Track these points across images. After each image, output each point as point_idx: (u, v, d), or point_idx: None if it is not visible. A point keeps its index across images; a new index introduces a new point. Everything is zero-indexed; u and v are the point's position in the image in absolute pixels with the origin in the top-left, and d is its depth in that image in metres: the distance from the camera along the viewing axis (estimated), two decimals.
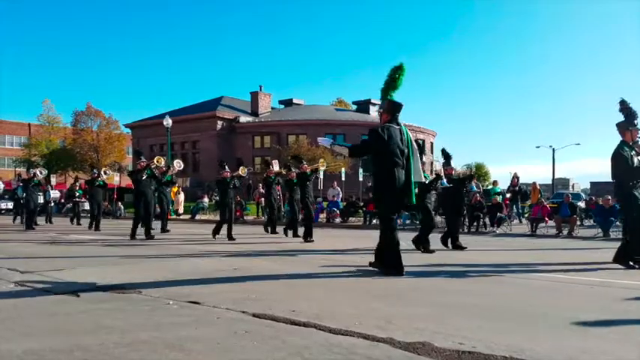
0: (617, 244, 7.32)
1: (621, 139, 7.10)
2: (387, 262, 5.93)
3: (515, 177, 18.86)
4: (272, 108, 44.42)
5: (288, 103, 47.04)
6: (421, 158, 6.82)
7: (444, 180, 9.46)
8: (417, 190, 6.34)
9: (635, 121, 7.13)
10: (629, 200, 6.87)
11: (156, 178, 12.72)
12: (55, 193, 27.67)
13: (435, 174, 8.92)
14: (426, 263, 7.06)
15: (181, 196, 24.48)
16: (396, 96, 6.38)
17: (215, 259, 7.57)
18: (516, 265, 7.18)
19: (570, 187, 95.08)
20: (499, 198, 16.55)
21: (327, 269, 6.54)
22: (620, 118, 7.21)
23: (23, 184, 17.88)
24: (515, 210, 18.59)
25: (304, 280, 5.60)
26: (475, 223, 15.38)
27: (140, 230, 11.64)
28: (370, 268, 6.12)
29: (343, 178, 25.67)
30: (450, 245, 9.49)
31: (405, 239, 6.12)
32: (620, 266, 6.81)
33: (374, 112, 44.82)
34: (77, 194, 20.05)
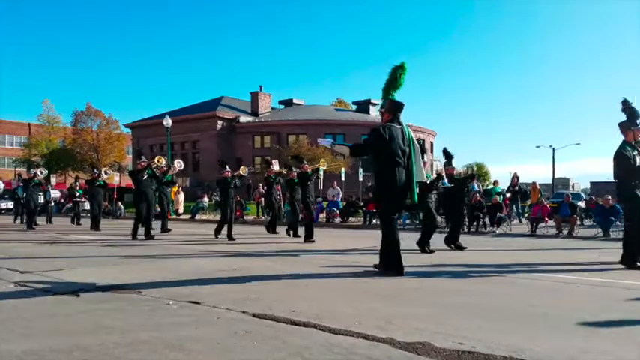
0: (617, 244, 7.32)
1: (623, 139, 7.06)
2: (387, 262, 5.92)
3: (515, 177, 18.85)
4: (272, 108, 44.44)
5: (288, 103, 47.06)
6: (423, 158, 6.79)
7: (445, 180, 9.44)
8: (418, 190, 6.30)
9: (638, 121, 7.07)
10: (634, 201, 6.85)
11: (156, 178, 12.71)
12: (55, 193, 27.70)
13: (437, 174, 8.89)
14: (426, 263, 7.06)
15: (181, 196, 24.48)
16: (398, 95, 6.36)
17: (215, 259, 7.57)
18: (516, 265, 7.17)
19: (570, 187, 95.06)
20: (498, 198, 16.53)
21: (328, 269, 6.54)
22: (622, 117, 7.17)
23: (24, 184, 17.89)
24: (515, 210, 18.57)
25: (304, 280, 5.59)
26: (475, 223, 15.37)
27: (141, 230, 11.64)
28: (373, 269, 6.10)
29: (343, 178, 25.67)
30: (452, 245, 9.46)
31: (406, 239, 6.09)
32: (620, 266, 6.81)
33: (374, 112, 44.86)
34: (77, 194, 20.07)
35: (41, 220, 17.60)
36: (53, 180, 31.29)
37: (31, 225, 15.54)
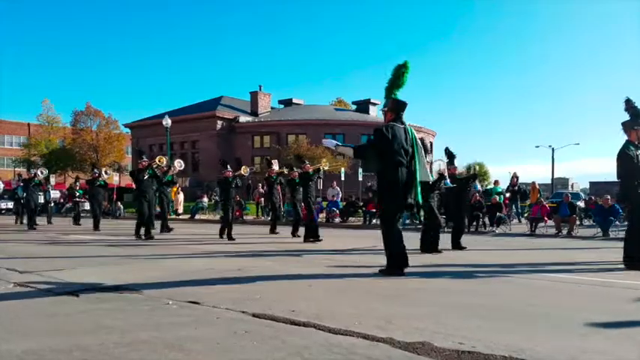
0: (617, 244, 7.32)
1: (627, 138, 7.01)
2: (388, 262, 5.92)
3: (515, 177, 18.87)
4: (272, 108, 44.44)
5: (287, 102, 47.04)
6: (425, 157, 6.76)
7: (448, 180, 9.41)
8: (420, 189, 6.26)
9: None
10: (637, 200, 6.83)
11: (157, 177, 12.71)
12: (55, 194, 27.68)
13: (438, 174, 8.85)
14: (426, 263, 7.06)
15: (181, 196, 24.48)
16: (400, 94, 6.33)
17: (215, 259, 7.57)
18: (516, 265, 7.18)
19: (570, 186, 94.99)
20: (498, 198, 16.53)
21: (328, 269, 6.53)
22: (624, 117, 7.11)
23: (24, 184, 17.87)
24: (514, 210, 18.59)
25: (304, 279, 5.59)
26: (475, 223, 15.38)
27: (141, 230, 11.64)
28: (375, 271, 6.08)
29: (343, 178, 25.68)
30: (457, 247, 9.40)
31: (406, 239, 6.07)
32: (621, 266, 6.81)
33: (373, 112, 44.89)
34: (77, 194, 20.05)
35: (41, 220, 17.59)
36: (53, 180, 31.27)
37: (32, 225, 15.54)
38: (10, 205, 26.91)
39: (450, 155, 9.85)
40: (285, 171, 13.44)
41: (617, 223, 13.47)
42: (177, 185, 21.89)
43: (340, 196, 21.48)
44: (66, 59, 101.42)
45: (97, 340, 3.03)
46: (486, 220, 15.56)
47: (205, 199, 24.80)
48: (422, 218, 9.03)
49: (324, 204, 21.04)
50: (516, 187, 18.74)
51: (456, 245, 9.42)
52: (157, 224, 13.54)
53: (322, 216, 20.26)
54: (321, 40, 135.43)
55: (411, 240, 8.93)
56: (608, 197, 14.36)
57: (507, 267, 6.94)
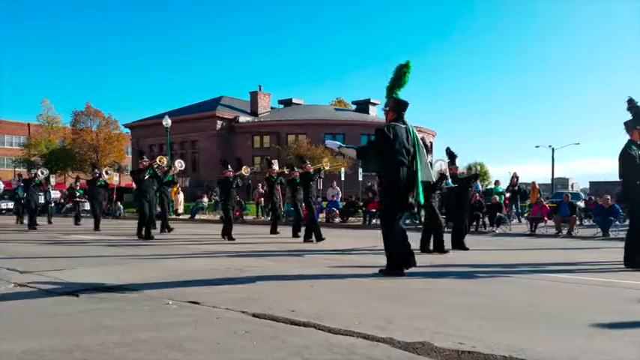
0: (617, 244, 7.31)
1: (629, 138, 6.99)
2: (388, 262, 5.92)
3: (515, 177, 18.87)
4: (271, 108, 44.44)
5: (287, 102, 47.05)
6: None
7: (449, 180, 9.40)
8: (422, 189, 6.25)
9: None
10: (638, 200, 6.82)
11: (158, 177, 12.71)
12: (55, 194, 27.67)
13: (440, 174, 8.83)
14: (427, 264, 7.05)
15: (181, 196, 24.48)
16: (402, 94, 6.32)
17: (215, 259, 7.57)
18: (517, 265, 7.18)
19: (570, 186, 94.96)
20: (498, 198, 16.52)
21: (328, 269, 6.54)
22: (623, 117, 7.07)
23: (24, 184, 17.86)
24: (514, 210, 18.59)
25: (304, 279, 5.59)
26: (475, 223, 15.37)
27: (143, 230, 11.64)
28: (375, 271, 6.07)
29: (343, 178, 25.68)
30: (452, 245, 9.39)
31: (408, 239, 6.06)
32: (621, 266, 6.81)
33: (373, 112, 44.91)
34: (78, 194, 20.05)
35: (41, 220, 17.60)
36: (53, 180, 31.27)
37: (32, 225, 15.53)
38: (11, 205, 26.90)
39: (452, 155, 9.83)
40: (286, 171, 13.42)
41: (617, 223, 13.48)
42: (178, 185, 21.90)
43: (340, 196, 21.48)
44: (66, 59, 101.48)
45: (97, 340, 3.03)
46: (486, 220, 15.56)
47: (205, 199, 24.80)
48: (422, 218, 9.01)
49: (324, 204, 21.04)
50: (516, 187, 18.74)
51: (458, 245, 9.36)
52: (157, 224, 13.53)
53: (322, 216, 20.27)
54: (321, 40, 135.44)
55: (412, 240, 8.93)
56: (608, 197, 14.36)
57: (508, 267, 6.93)
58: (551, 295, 4.89)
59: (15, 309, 4.00)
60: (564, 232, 13.86)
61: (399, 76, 6.29)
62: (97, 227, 14.54)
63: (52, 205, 21.80)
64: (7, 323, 3.51)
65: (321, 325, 3.37)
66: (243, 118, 40.40)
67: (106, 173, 17.36)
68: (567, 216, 14.11)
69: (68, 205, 26.46)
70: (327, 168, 12.65)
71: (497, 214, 15.38)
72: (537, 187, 20.19)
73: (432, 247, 8.71)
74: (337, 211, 19.94)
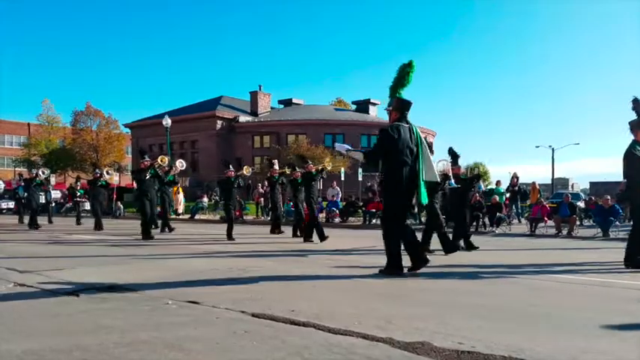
0: (617, 244, 7.31)
1: (633, 138, 6.94)
2: (388, 261, 5.91)
3: (515, 177, 18.85)
4: (271, 108, 44.43)
5: (287, 102, 47.05)
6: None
7: (452, 180, 9.39)
8: (426, 189, 6.22)
9: None
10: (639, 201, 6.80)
11: (159, 177, 12.69)
12: (55, 194, 27.65)
13: (443, 174, 8.81)
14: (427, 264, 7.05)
15: (181, 196, 24.47)
16: (405, 93, 6.30)
17: (214, 259, 7.57)
18: (517, 266, 7.17)
19: (570, 186, 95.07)
20: (498, 198, 16.51)
21: (328, 269, 6.54)
22: (631, 116, 6.97)
23: (25, 184, 17.85)
24: (514, 210, 18.58)
25: (304, 279, 5.59)
26: (474, 223, 15.36)
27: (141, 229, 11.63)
28: (375, 271, 6.07)
29: (342, 178, 25.67)
30: (462, 245, 9.36)
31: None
32: (621, 266, 6.81)
33: (373, 112, 44.90)
34: (78, 194, 20.04)
35: (41, 220, 17.60)
36: (53, 180, 31.28)
37: (33, 225, 15.52)
38: (11, 204, 26.92)
39: (454, 155, 9.80)
40: (288, 171, 13.40)
41: (617, 223, 13.47)
42: (179, 185, 21.91)
43: (340, 196, 21.47)
44: (66, 59, 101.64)
45: (97, 339, 3.03)
46: (486, 220, 15.55)
47: (205, 199, 24.79)
48: (422, 218, 9.02)
49: (324, 204, 21.05)
50: (516, 188, 18.73)
51: (469, 245, 9.31)
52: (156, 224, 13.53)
53: (322, 216, 20.27)
54: (321, 40, 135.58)
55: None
56: (608, 197, 14.36)
57: (508, 267, 6.93)
58: (551, 295, 4.89)
59: (15, 309, 3.99)
60: (564, 232, 13.85)
61: (403, 76, 6.28)
62: (97, 227, 14.53)
63: (53, 205, 21.79)
64: (7, 323, 3.51)
65: (320, 325, 3.37)
66: (243, 118, 40.40)
67: (107, 173, 17.37)
68: (567, 216, 14.10)
69: (68, 205, 26.45)
70: (329, 168, 12.61)
71: (497, 214, 15.37)
72: (537, 187, 20.18)
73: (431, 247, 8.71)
74: (337, 211, 19.94)
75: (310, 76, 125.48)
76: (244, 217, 21.18)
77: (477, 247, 9.32)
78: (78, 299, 4.37)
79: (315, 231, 11.08)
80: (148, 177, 11.90)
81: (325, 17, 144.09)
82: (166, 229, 13.69)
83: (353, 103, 49.53)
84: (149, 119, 42.07)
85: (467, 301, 4.41)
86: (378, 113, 45.27)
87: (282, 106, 46.90)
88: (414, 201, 6.02)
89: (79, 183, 21.14)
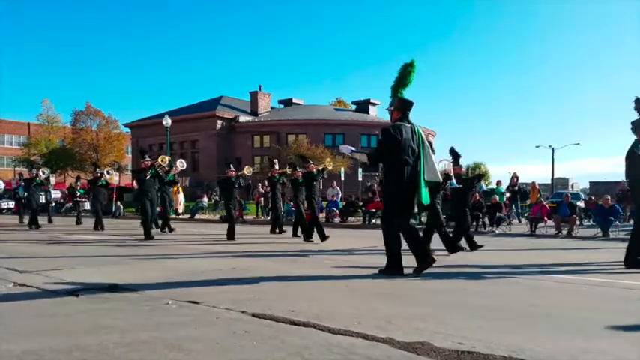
0: (617, 244, 7.31)
1: (635, 138, 6.92)
2: (388, 261, 5.91)
3: (515, 177, 18.85)
4: (271, 108, 44.43)
5: (287, 102, 47.05)
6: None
7: (454, 180, 9.39)
8: (427, 189, 6.16)
9: None
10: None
11: (159, 177, 12.68)
12: (55, 194, 27.66)
13: (445, 174, 8.80)
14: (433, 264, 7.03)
15: (181, 196, 24.47)
16: (406, 93, 6.28)
17: (214, 259, 7.57)
18: (517, 266, 7.17)
19: (569, 186, 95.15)
20: (497, 198, 16.50)
21: (328, 269, 6.53)
22: (632, 116, 6.94)
23: (25, 184, 17.84)
24: (514, 210, 18.58)
25: (304, 279, 5.59)
26: (474, 223, 15.36)
27: (140, 229, 11.63)
28: (375, 271, 6.06)
29: (342, 178, 25.67)
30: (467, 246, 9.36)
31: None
32: (621, 266, 6.81)
33: (373, 112, 44.89)
34: (79, 194, 20.03)
35: (41, 220, 17.61)
36: (52, 180, 31.26)
37: (32, 225, 15.51)
38: (12, 204, 26.92)
39: (456, 155, 9.79)
40: (288, 171, 13.39)
41: (617, 223, 13.47)
42: (179, 185, 21.90)
43: (340, 196, 21.47)
44: (66, 59, 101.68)
45: (97, 340, 3.03)
46: (486, 220, 15.55)
47: (205, 199, 24.79)
48: (422, 218, 9.01)
49: (324, 204, 21.05)
50: (516, 188, 18.73)
51: (455, 246, 9.30)
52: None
53: (322, 216, 20.27)
54: (321, 40, 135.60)
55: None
56: (608, 197, 14.36)
57: (508, 267, 6.93)
58: (551, 295, 4.89)
59: (14, 309, 3.99)
60: (564, 232, 13.85)
61: (404, 75, 6.26)
62: (97, 227, 14.52)
63: (53, 205, 21.79)
64: (6, 323, 3.51)
65: (320, 325, 3.37)
66: (243, 118, 40.40)
67: (108, 173, 17.37)
68: (567, 216, 14.10)
69: (68, 205, 26.45)
70: (329, 168, 12.60)
71: (497, 214, 15.38)
72: (537, 187, 20.18)
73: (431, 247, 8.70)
74: (337, 211, 19.94)
75: (310, 76, 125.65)
76: (244, 217, 21.18)
77: (481, 246, 9.32)
78: (78, 299, 4.37)
79: (315, 231, 11.07)
80: (148, 177, 11.89)
81: (325, 17, 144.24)
82: (166, 230, 13.68)
83: (353, 103, 49.53)
84: (149, 119, 42.07)
85: (467, 301, 4.41)
86: (378, 113, 45.30)
87: (282, 106, 46.90)
88: (415, 201, 6.01)
89: (79, 183, 21.13)
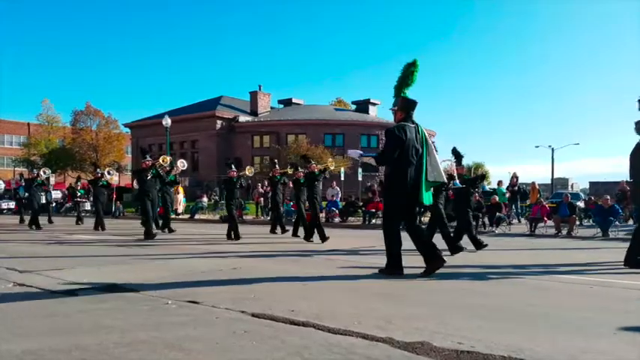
0: (617, 244, 7.31)
1: None
2: (388, 261, 5.90)
3: (515, 177, 18.85)
4: (271, 108, 44.39)
5: (287, 102, 47.01)
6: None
7: (457, 180, 9.38)
8: (429, 190, 6.15)
9: None
10: None
11: (160, 177, 12.67)
12: (56, 194, 27.65)
13: (448, 174, 8.78)
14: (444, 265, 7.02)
15: (181, 196, 24.46)
16: (409, 93, 6.27)
17: (214, 259, 7.57)
18: (516, 266, 7.17)
19: (569, 186, 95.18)
20: (498, 198, 16.50)
21: (328, 269, 6.53)
22: (633, 117, 6.93)
23: (26, 184, 17.82)
24: (514, 210, 18.58)
25: (304, 279, 5.58)
26: (474, 223, 15.35)
27: (142, 229, 11.61)
28: (375, 271, 6.06)
29: (342, 178, 25.66)
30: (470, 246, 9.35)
31: (408, 239, 6.05)
32: (621, 266, 6.81)
33: (373, 112, 44.84)
34: (79, 194, 20.01)
35: (41, 220, 17.59)
36: (52, 180, 31.26)
37: (33, 225, 15.50)
38: (12, 204, 26.92)
39: (458, 155, 9.79)
40: (290, 171, 13.38)
41: (616, 223, 13.47)
42: (179, 184, 21.89)
43: (340, 195, 21.46)
44: (65, 59, 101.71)
45: (97, 339, 3.03)
46: (486, 220, 15.54)
47: (205, 199, 24.79)
48: (421, 218, 9.00)
49: (324, 204, 21.05)
50: (516, 188, 18.73)
51: (477, 244, 9.29)
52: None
53: (322, 216, 20.26)
54: (321, 40, 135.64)
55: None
56: (608, 197, 14.36)
57: (508, 267, 6.93)
58: (550, 295, 4.89)
59: (14, 309, 3.99)
60: (564, 232, 13.85)
61: (407, 75, 6.25)
62: (97, 227, 14.51)
63: (53, 204, 21.79)
64: (6, 323, 3.51)
65: (320, 324, 3.37)
66: (243, 118, 40.37)
67: (109, 173, 17.36)
68: (567, 216, 14.10)
69: (68, 205, 26.44)
70: (332, 168, 12.58)
71: (497, 214, 15.37)
72: (537, 187, 20.18)
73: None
74: (337, 211, 19.93)
75: (310, 76, 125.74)
76: (244, 217, 21.17)
77: (486, 245, 9.31)
78: (77, 299, 4.37)
79: (316, 231, 11.07)
80: (149, 177, 11.88)
81: (325, 17, 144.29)
82: (166, 230, 13.67)
83: (353, 103, 49.49)
84: (149, 119, 42.03)
85: (467, 301, 4.41)
86: (378, 113, 45.27)
87: (282, 106, 46.86)
88: (416, 201, 5.99)
89: (79, 183, 21.12)
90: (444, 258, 5.98)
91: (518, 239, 12.88)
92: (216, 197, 26.15)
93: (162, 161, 12.77)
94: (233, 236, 11.29)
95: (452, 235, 8.89)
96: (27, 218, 16.92)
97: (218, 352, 2.82)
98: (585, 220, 17.70)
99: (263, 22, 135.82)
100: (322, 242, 10.62)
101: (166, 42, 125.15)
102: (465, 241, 9.28)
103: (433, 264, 5.81)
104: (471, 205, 10.00)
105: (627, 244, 7.23)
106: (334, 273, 6.14)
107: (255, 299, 4.29)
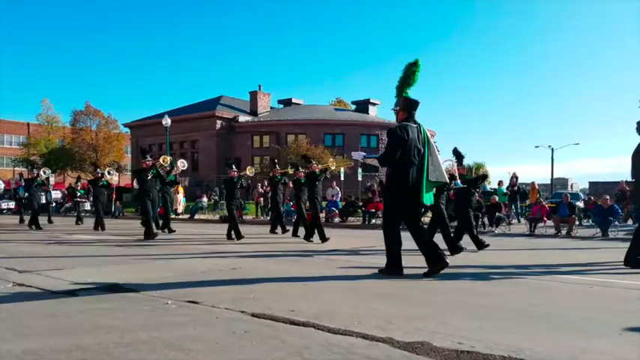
0: (616, 244, 7.31)
1: None
2: (388, 261, 5.90)
3: (514, 177, 18.85)
4: (271, 108, 44.38)
5: (287, 102, 46.99)
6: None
7: (458, 180, 9.37)
8: (431, 190, 6.13)
9: None
10: None
11: (161, 177, 12.66)
12: (56, 194, 27.64)
13: (449, 174, 8.77)
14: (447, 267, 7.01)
15: (180, 196, 24.45)
16: (411, 93, 6.25)
17: (214, 259, 7.56)
18: (516, 266, 7.17)
19: (569, 186, 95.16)
20: (498, 198, 16.50)
21: (328, 269, 6.53)
22: (634, 117, 6.93)
23: (26, 184, 17.81)
24: (514, 210, 18.58)
25: (304, 279, 5.58)
26: (474, 223, 15.34)
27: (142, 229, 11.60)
28: (375, 271, 6.06)
29: (342, 178, 25.66)
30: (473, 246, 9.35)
31: (408, 239, 6.05)
32: (621, 266, 6.81)
33: (373, 112, 44.83)
34: (79, 194, 20.00)
35: (41, 220, 17.58)
36: (52, 179, 31.24)
37: (33, 225, 15.48)
38: (12, 204, 26.90)
39: (459, 155, 9.79)
40: (290, 171, 13.38)
41: (616, 223, 13.47)
42: (179, 184, 21.88)
43: (340, 196, 21.46)
44: (65, 59, 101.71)
45: (97, 339, 3.03)
46: (485, 220, 15.55)
47: (205, 199, 24.78)
48: (421, 217, 8.98)
49: (324, 204, 21.04)
50: (516, 187, 18.74)
51: (479, 244, 9.30)
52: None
53: (322, 216, 20.25)
54: (321, 40, 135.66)
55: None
56: (607, 197, 14.37)
57: (507, 267, 6.93)
58: (551, 295, 4.89)
59: (14, 309, 3.99)
60: (563, 232, 13.85)
61: (409, 75, 6.24)
62: (96, 227, 14.50)
63: (53, 204, 21.78)
64: (6, 323, 3.50)
65: (320, 324, 3.37)
66: (243, 118, 40.36)
67: (109, 173, 17.35)
68: (566, 216, 14.10)
69: (67, 205, 26.43)
70: (332, 168, 12.56)
71: (497, 214, 15.38)
72: (537, 187, 20.18)
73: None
74: (337, 211, 19.94)
75: (310, 76, 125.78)
76: (244, 217, 21.17)
77: (488, 245, 9.31)
78: (77, 299, 4.37)
79: (316, 231, 11.07)
80: (150, 177, 11.87)
81: (325, 17, 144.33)
82: (166, 230, 13.66)
83: (353, 103, 49.47)
84: (149, 119, 42.02)
85: (467, 301, 4.41)
86: (378, 113, 45.25)
87: (281, 106, 46.85)
88: (418, 201, 5.98)
89: (79, 183, 21.10)
90: (447, 260, 5.97)
91: (518, 239, 12.88)
92: (216, 197, 26.14)
93: (163, 161, 12.76)
94: (235, 236, 11.28)
95: (451, 235, 8.89)
96: (27, 218, 16.91)
97: (218, 352, 2.82)
98: (585, 220, 17.72)
99: (263, 22, 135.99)
100: (322, 242, 10.61)
101: (166, 42, 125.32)
102: (466, 241, 9.28)
103: (435, 265, 5.79)
104: (472, 205, 9.99)
105: (627, 244, 7.24)
106: (334, 273, 6.14)
107: (255, 299, 4.29)
